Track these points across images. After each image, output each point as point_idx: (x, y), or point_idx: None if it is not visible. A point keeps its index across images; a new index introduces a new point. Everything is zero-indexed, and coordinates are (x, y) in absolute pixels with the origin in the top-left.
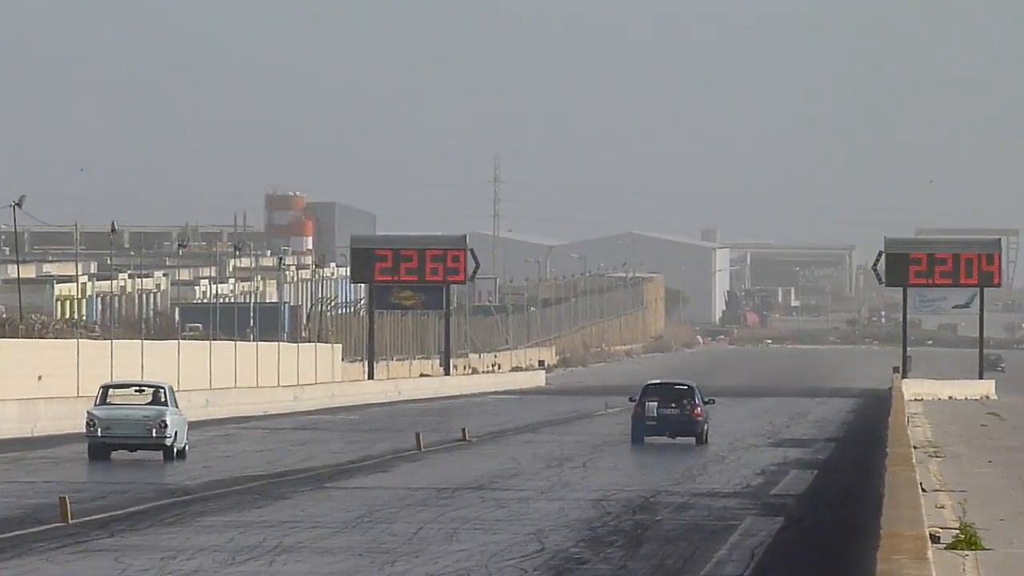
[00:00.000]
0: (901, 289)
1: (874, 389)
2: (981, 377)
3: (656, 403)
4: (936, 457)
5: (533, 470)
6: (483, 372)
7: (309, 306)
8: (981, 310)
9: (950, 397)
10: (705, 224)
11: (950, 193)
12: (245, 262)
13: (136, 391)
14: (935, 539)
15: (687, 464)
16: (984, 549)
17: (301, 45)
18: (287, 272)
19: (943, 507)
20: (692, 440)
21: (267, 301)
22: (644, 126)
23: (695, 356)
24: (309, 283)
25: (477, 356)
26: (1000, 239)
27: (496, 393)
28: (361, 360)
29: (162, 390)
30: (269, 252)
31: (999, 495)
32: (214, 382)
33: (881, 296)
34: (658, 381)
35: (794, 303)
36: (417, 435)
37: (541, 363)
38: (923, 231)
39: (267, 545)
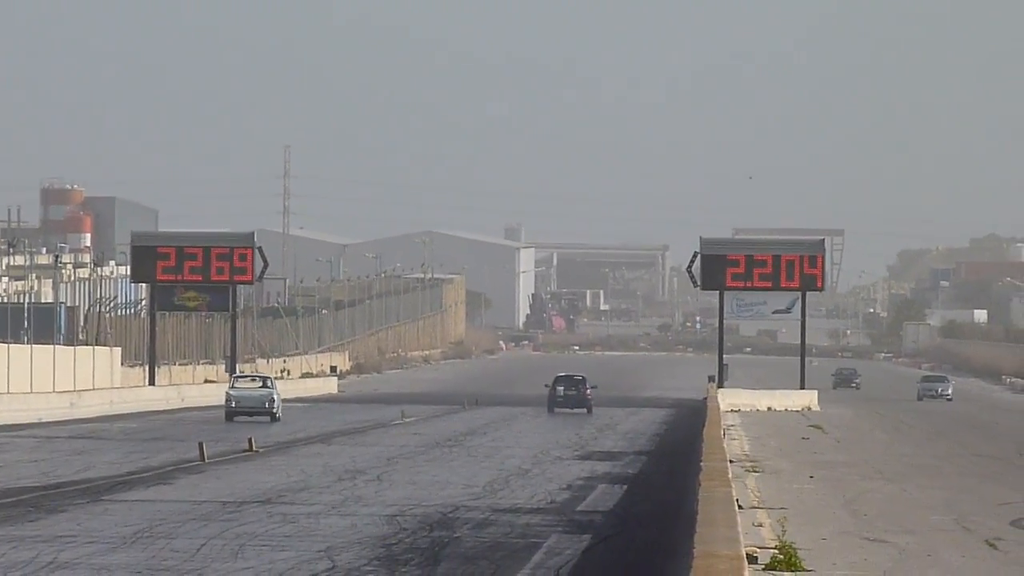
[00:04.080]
0: (717, 293)
1: (688, 399)
2: (803, 387)
3: (563, 387)
4: (754, 472)
5: (324, 483)
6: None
7: (87, 307)
8: (803, 316)
9: (769, 408)
10: (508, 222)
11: (771, 191)
12: (19, 260)
13: (251, 380)
14: (752, 559)
15: (488, 478)
16: (804, 570)
17: (77, 24)
18: (63, 270)
19: (761, 525)
20: (584, 410)
21: (42, 301)
22: (443, 118)
23: (497, 363)
24: (87, 282)
25: (265, 361)
26: (824, 240)
27: (285, 401)
28: (142, 365)
29: (269, 379)
30: (44, 249)
31: (821, 513)
32: None
33: (696, 300)
34: (564, 374)
35: (603, 307)
36: (201, 445)
37: (333, 369)
38: (741, 231)
39: (41, 561)
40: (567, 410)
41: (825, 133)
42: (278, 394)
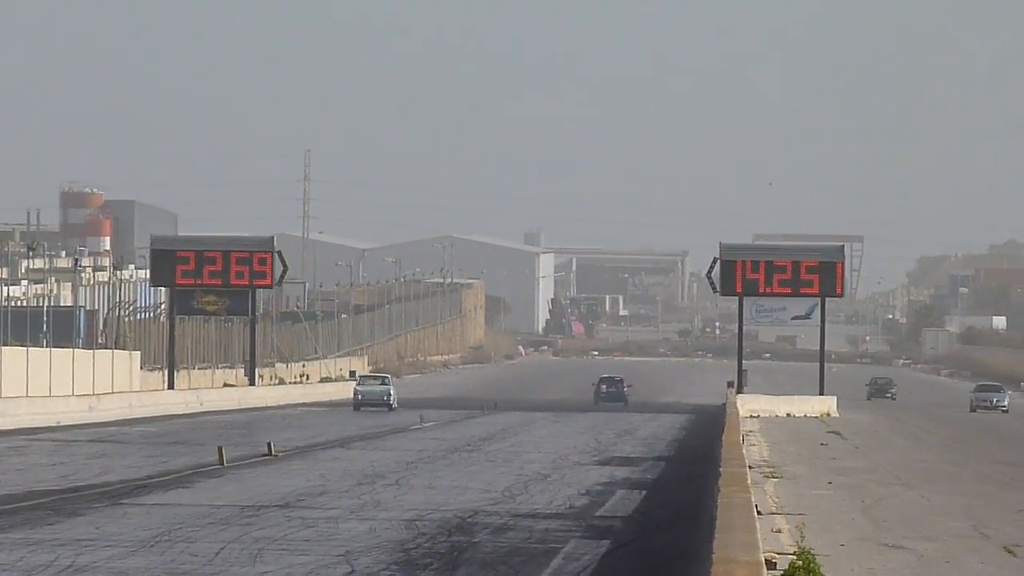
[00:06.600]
0: (737, 298)
1: (707, 405)
2: (822, 393)
3: (605, 385)
4: (773, 478)
5: (343, 488)
6: (291, 383)
7: (106, 311)
8: (822, 322)
9: (788, 414)
10: (528, 227)
11: (791, 197)
12: (38, 263)
13: (374, 379)
14: (771, 565)
15: (507, 483)
16: None
17: (97, 29)
18: (83, 274)
19: (780, 531)
20: (622, 404)
21: (62, 305)
22: (463, 122)
23: (516, 368)
24: (106, 286)
25: (284, 366)
26: (843, 246)
27: (304, 405)
28: (161, 368)
29: (387, 377)
30: (64, 253)
31: (839, 519)
32: (4, 390)
33: (716, 306)
34: (606, 375)
35: (623, 312)
36: (220, 449)
37: (352, 374)
38: (761, 237)
39: (60, 564)
40: (609, 403)
41: (845, 139)
42: (394, 390)
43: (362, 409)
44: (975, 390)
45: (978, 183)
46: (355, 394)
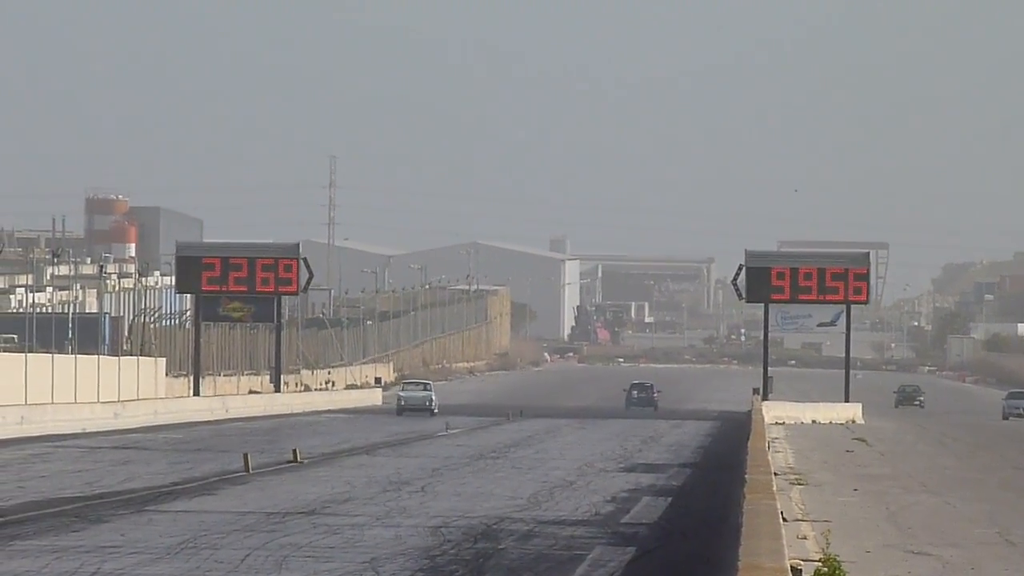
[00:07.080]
0: (762, 305)
1: (732, 412)
2: (847, 400)
3: (636, 391)
4: (798, 485)
5: (368, 494)
6: (316, 389)
7: (131, 317)
8: (848, 329)
9: (814, 421)
10: (553, 233)
11: (816, 203)
12: (63, 270)
13: (416, 385)
14: (796, 572)
15: (532, 490)
16: None
17: (122, 35)
18: (108, 281)
19: (805, 538)
20: (652, 409)
21: (87, 311)
22: (488, 128)
23: (542, 374)
24: (131, 292)
25: (310, 372)
26: (868, 253)
27: (330, 412)
28: (186, 375)
29: (429, 384)
30: (89, 259)
31: (865, 526)
32: (29, 397)
33: (741, 313)
34: (637, 381)
35: (648, 319)
36: (245, 456)
37: (378, 380)
38: (787, 243)
39: (85, 571)
40: (639, 408)
41: (871, 146)
42: (435, 396)
43: (405, 414)
44: (1007, 397)
45: (1004, 190)
46: (399, 399)
